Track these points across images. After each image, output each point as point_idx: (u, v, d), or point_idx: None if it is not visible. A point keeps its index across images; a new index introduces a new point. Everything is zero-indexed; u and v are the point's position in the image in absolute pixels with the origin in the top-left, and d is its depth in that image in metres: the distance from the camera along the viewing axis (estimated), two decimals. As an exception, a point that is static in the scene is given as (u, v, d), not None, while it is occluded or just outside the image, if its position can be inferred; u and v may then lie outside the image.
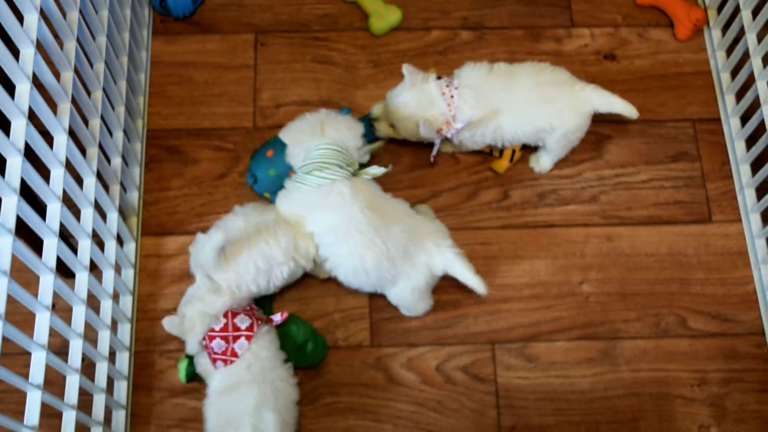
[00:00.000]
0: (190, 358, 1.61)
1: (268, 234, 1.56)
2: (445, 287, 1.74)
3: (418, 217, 1.63)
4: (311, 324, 1.68)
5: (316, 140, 1.61)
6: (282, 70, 1.96)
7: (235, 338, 1.51)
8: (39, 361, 1.23)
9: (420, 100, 1.70)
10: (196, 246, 1.55)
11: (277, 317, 1.58)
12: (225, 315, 1.52)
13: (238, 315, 1.53)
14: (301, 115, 1.67)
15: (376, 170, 1.65)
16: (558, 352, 1.72)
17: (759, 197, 1.79)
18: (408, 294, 1.63)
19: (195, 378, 1.63)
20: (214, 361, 1.52)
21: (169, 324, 1.52)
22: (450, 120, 1.70)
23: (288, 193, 1.63)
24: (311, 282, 1.74)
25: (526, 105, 1.70)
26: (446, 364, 1.70)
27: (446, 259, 1.58)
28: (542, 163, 1.85)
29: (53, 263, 1.29)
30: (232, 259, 1.54)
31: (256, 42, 1.99)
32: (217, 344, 1.51)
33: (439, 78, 1.71)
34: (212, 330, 1.51)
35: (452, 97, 1.69)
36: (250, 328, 1.52)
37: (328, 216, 1.58)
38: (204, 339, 1.52)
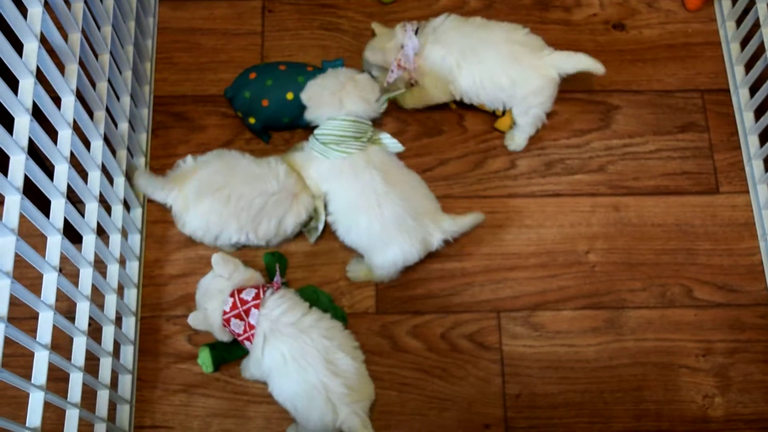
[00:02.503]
0: (211, 346, 1.62)
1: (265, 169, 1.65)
2: (450, 255, 1.75)
3: (425, 192, 1.65)
4: (340, 308, 1.69)
5: (334, 111, 1.66)
6: (289, 37, 1.95)
7: (247, 312, 1.50)
8: (46, 321, 1.23)
9: (383, 41, 1.76)
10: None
11: (278, 278, 1.57)
12: (231, 294, 1.52)
13: (243, 290, 1.53)
14: (323, 77, 1.70)
15: (392, 144, 1.69)
16: (563, 321, 1.72)
17: (767, 168, 1.78)
18: (392, 263, 1.64)
19: (223, 362, 1.64)
20: (242, 343, 1.53)
21: (194, 321, 1.53)
22: (404, 52, 1.73)
23: (306, 158, 1.69)
24: (317, 249, 1.75)
25: (492, 58, 1.71)
26: (451, 332, 1.70)
27: (444, 233, 1.61)
28: (516, 140, 1.84)
29: (61, 224, 1.29)
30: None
31: (263, 8, 1.98)
32: (235, 324, 1.51)
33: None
34: (224, 312, 1.51)
35: (411, 32, 1.74)
36: (256, 297, 1.51)
37: (341, 186, 1.64)
38: (224, 325, 1.52)
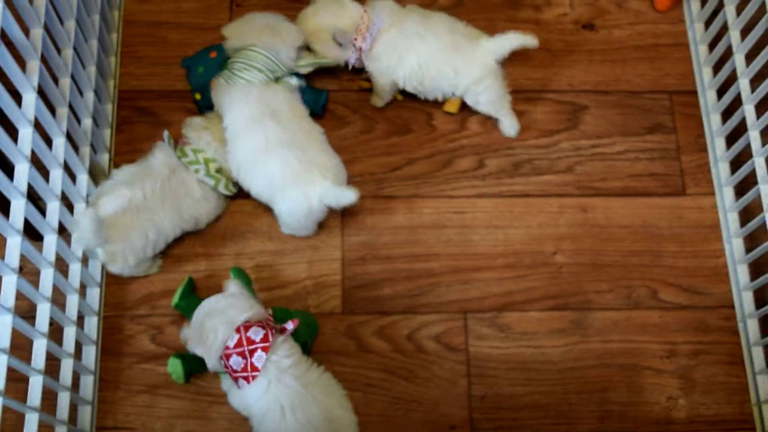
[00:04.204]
0: (182, 358, 1.58)
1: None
2: (418, 255, 1.74)
3: (322, 146, 1.63)
4: (308, 314, 1.67)
5: (251, 41, 1.66)
6: (257, 32, 1.93)
7: (252, 352, 1.43)
8: (5, 324, 1.21)
9: (332, 9, 1.72)
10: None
11: (290, 325, 1.48)
12: (237, 330, 1.43)
13: (251, 328, 1.44)
14: (252, 14, 1.71)
15: (293, 80, 1.68)
16: (530, 322, 1.72)
17: (733, 171, 1.79)
18: (286, 215, 1.64)
19: (193, 374, 1.61)
20: (235, 380, 1.46)
21: (189, 342, 1.47)
22: (362, 28, 1.71)
23: (217, 85, 1.67)
24: (284, 249, 1.73)
25: (437, 47, 1.71)
26: (418, 333, 1.70)
27: (325, 193, 1.58)
28: (505, 127, 1.85)
29: (20, 225, 1.27)
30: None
31: (231, 2, 1.96)
32: (235, 361, 1.43)
33: None
34: (227, 348, 1.43)
35: (366, 12, 1.72)
36: (265, 339, 1.43)
37: (236, 114, 1.62)
38: (221, 358, 1.45)
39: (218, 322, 1.43)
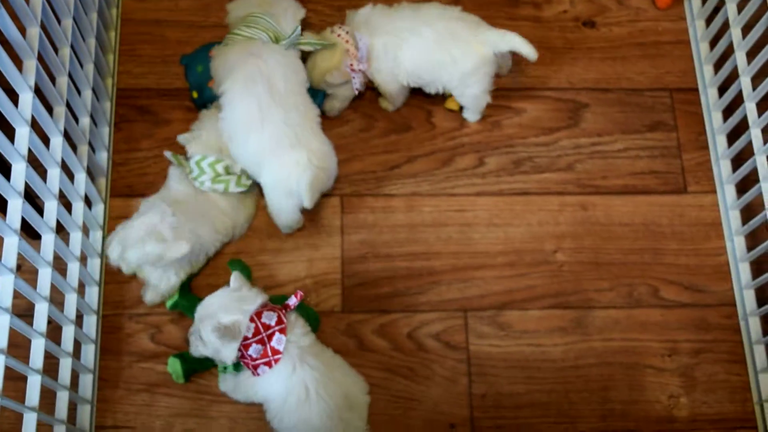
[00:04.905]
0: (181, 356, 1.58)
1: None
2: (418, 253, 1.74)
3: (315, 129, 1.62)
4: (307, 306, 1.66)
5: (253, 10, 1.68)
6: (256, 31, 1.92)
7: (270, 336, 1.44)
8: (2, 325, 1.20)
9: (327, 57, 1.71)
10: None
11: (293, 300, 1.49)
12: (251, 319, 1.43)
13: (263, 313, 1.45)
14: None
15: (291, 38, 1.66)
16: (530, 321, 1.71)
17: (734, 168, 1.78)
18: (269, 189, 1.63)
19: (194, 373, 1.61)
20: (255, 368, 1.46)
21: (200, 348, 1.46)
22: (351, 50, 1.70)
23: (217, 52, 1.69)
24: (283, 247, 1.73)
25: (430, 36, 1.69)
26: (418, 331, 1.69)
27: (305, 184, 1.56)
28: (469, 119, 1.85)
29: (18, 225, 1.26)
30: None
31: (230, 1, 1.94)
32: (255, 349, 1.43)
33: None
34: (245, 338, 1.43)
35: (347, 33, 1.71)
36: (279, 321, 1.45)
37: (234, 77, 1.60)
38: (239, 350, 1.45)
39: (238, 316, 1.42)
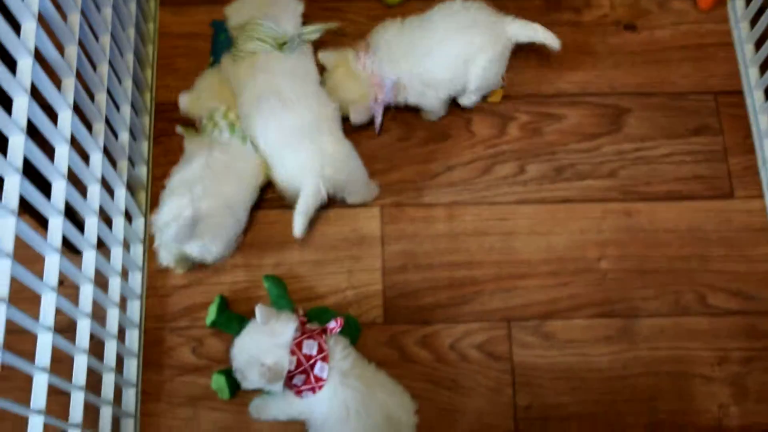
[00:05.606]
0: (226, 373, 1.57)
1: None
2: (459, 263, 1.72)
3: (331, 128, 1.63)
4: (347, 314, 1.65)
5: (252, 15, 1.68)
6: (293, 41, 1.91)
7: (312, 366, 1.44)
8: (45, 343, 1.20)
9: (344, 84, 1.71)
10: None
11: (332, 324, 1.49)
12: (292, 352, 1.43)
13: (303, 343, 1.44)
14: None
15: (292, 46, 1.67)
16: (575, 330, 1.69)
17: (782, 172, 1.74)
18: (284, 184, 1.66)
19: (239, 389, 1.59)
20: (299, 392, 1.47)
21: (261, 377, 1.44)
22: (374, 79, 1.70)
23: (225, 64, 1.71)
24: (324, 259, 1.72)
25: (446, 37, 1.68)
26: (461, 342, 1.67)
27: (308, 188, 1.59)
28: (465, 101, 1.82)
29: (58, 243, 1.26)
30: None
31: (265, 11, 1.95)
32: (299, 379, 1.44)
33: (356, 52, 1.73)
34: (288, 372, 1.43)
35: (372, 63, 1.70)
36: (320, 350, 1.45)
37: (246, 92, 1.63)
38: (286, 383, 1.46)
39: (278, 355, 1.42)
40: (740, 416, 1.63)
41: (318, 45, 1.74)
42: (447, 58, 1.69)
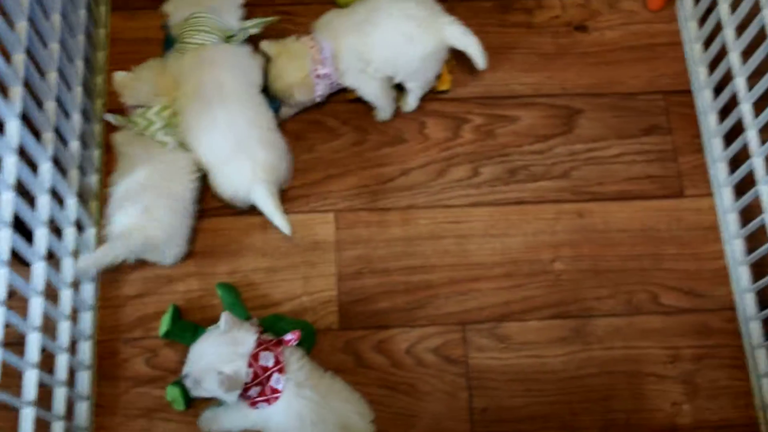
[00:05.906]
0: (180, 384, 1.54)
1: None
2: (415, 267, 1.72)
3: (264, 137, 1.63)
4: (301, 321, 1.65)
5: (193, 9, 1.68)
6: (245, 46, 1.90)
7: (268, 378, 1.43)
8: (-8, 359, 1.19)
9: (286, 68, 1.72)
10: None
11: (289, 336, 1.47)
12: (249, 364, 1.42)
13: (259, 355, 1.43)
14: None
15: (240, 34, 1.71)
16: (530, 332, 1.70)
17: (731, 171, 1.76)
18: (222, 189, 1.66)
19: (193, 400, 1.58)
20: (254, 404, 1.45)
21: (194, 382, 1.44)
22: (315, 55, 1.70)
23: (171, 59, 1.69)
24: (278, 265, 1.71)
25: (389, 16, 1.68)
26: (416, 347, 1.67)
27: (258, 194, 1.62)
28: (409, 102, 1.82)
29: (6, 256, 1.24)
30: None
31: (217, 16, 1.93)
32: (254, 391, 1.43)
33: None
34: (244, 384, 1.42)
35: (311, 40, 1.72)
36: (276, 362, 1.44)
37: (188, 84, 1.63)
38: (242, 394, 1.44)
39: (237, 365, 1.41)
40: (692, 414, 1.65)
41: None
42: (387, 36, 1.68)
